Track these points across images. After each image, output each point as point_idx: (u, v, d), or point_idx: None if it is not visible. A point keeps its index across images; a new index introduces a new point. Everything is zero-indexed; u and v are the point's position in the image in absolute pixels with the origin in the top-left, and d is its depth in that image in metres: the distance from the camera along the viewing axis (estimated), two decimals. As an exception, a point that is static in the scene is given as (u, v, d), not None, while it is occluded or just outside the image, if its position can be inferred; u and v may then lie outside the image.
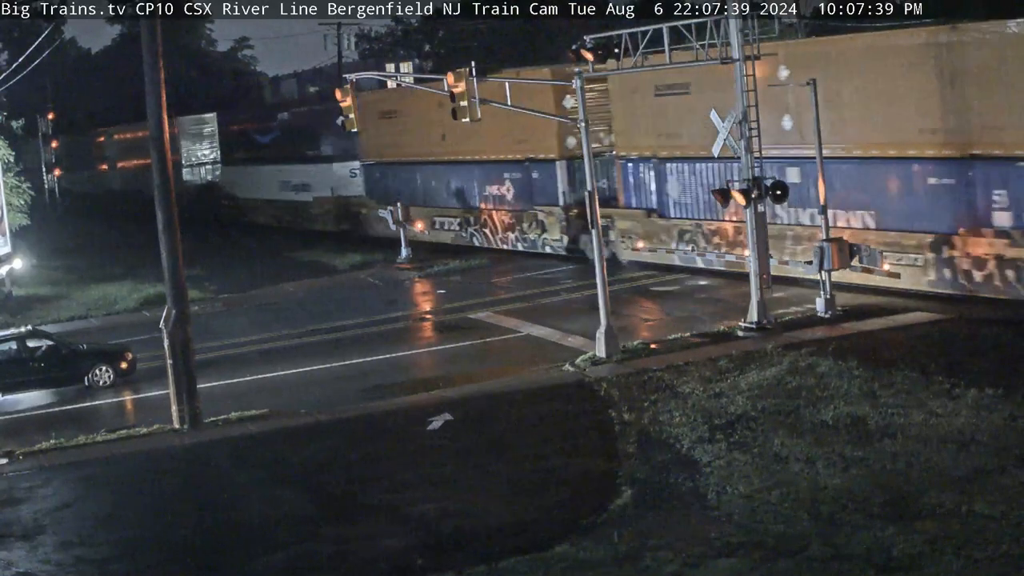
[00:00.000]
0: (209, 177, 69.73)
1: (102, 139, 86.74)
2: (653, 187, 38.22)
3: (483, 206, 46.31)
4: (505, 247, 44.90)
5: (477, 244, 45.43)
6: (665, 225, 37.50)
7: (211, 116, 70.26)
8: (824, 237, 29.86)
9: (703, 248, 35.82)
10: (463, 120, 29.05)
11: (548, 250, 42.57)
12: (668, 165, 37.34)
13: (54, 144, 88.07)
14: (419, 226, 47.35)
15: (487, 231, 45.66)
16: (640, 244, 37.97)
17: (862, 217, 31.78)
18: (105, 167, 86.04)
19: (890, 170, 31.11)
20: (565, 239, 41.53)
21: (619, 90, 37.47)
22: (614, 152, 39.93)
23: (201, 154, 70.82)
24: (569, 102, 29.14)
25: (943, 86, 29.17)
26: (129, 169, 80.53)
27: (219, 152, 70.86)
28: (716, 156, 30.69)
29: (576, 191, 40.76)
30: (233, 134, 69.96)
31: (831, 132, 30.47)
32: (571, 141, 40.49)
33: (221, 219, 62.86)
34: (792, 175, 32.04)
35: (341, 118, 34.21)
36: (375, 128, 50.97)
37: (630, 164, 39.41)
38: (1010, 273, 27.72)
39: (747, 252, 29.50)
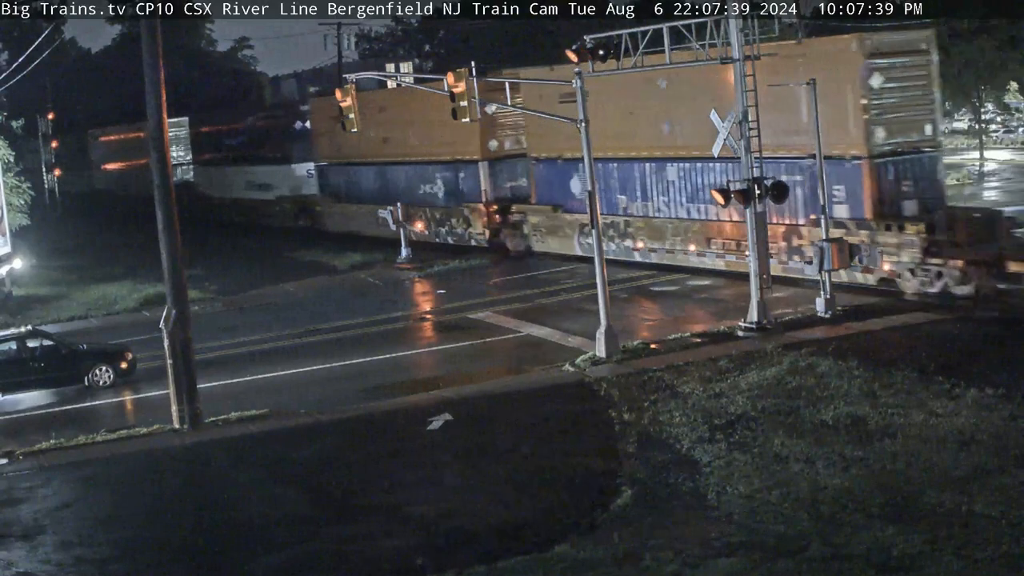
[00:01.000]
0: (183, 177, 72.24)
1: (93, 140, 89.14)
2: (559, 185, 42.10)
3: (418, 204, 49.59)
4: (437, 240, 48.22)
5: (414, 238, 47.96)
6: (569, 219, 41.12)
7: (183, 120, 72.90)
8: (824, 237, 29.86)
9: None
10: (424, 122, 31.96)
11: (473, 243, 46.27)
12: (570, 165, 40.34)
13: (54, 144, 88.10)
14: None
15: (420, 226, 48.83)
16: (549, 237, 41.48)
17: (721, 211, 35.37)
18: (93, 168, 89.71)
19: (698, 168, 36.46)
20: (487, 233, 45.17)
21: (531, 98, 40.46)
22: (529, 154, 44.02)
23: (175, 155, 71.73)
24: (491, 108, 31.78)
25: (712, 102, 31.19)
26: (111, 171, 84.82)
27: (191, 153, 74.28)
28: (716, 156, 30.73)
29: (496, 190, 45.57)
30: (204, 136, 73.24)
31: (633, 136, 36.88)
32: (493, 144, 45.35)
33: (194, 216, 63.33)
34: (671, 174, 37.73)
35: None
36: (328, 132, 54.81)
37: (541, 164, 43.01)
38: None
39: (747, 253, 29.50)
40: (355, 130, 34.92)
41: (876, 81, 31.64)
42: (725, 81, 28.97)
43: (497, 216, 44.43)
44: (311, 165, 59.20)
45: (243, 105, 67.90)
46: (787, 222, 33.38)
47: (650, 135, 37.70)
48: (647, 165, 38.27)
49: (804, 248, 32.46)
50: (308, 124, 59.46)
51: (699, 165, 36.02)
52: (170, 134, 79.37)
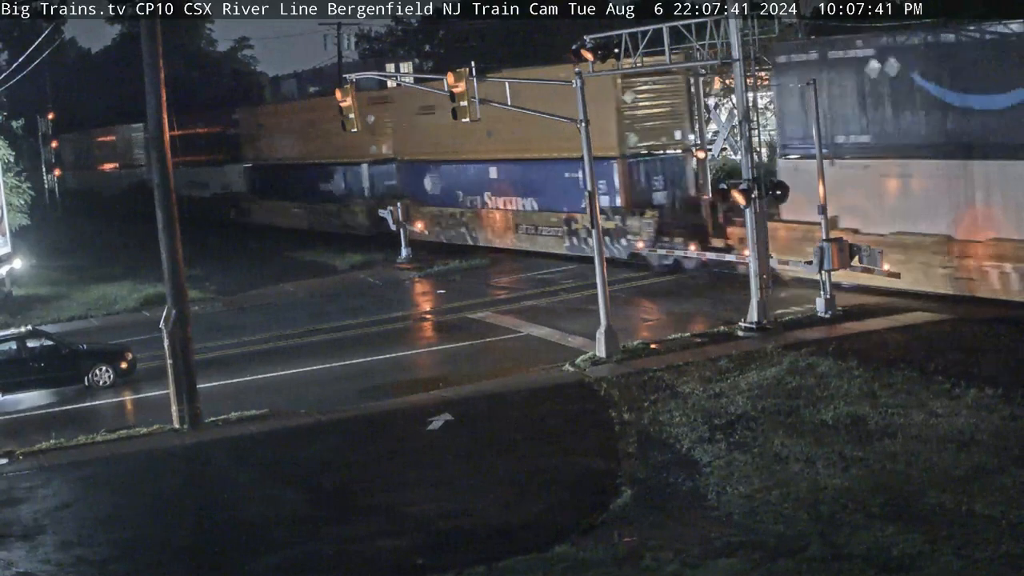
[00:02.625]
0: (143, 176, 77.86)
1: (94, 140, 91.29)
2: (417, 183, 50.53)
3: (321, 199, 58.71)
4: (334, 231, 56.39)
5: (317, 229, 57.03)
6: (424, 211, 49.08)
7: (139, 125, 77.13)
8: (824, 237, 29.86)
9: (446, 228, 48.18)
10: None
11: (361, 232, 54.35)
12: (425, 166, 49.65)
13: (54, 144, 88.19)
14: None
15: (322, 217, 57.99)
16: (418, 225, 48.13)
17: (526, 203, 44.19)
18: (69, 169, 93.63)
19: (547, 167, 42.74)
20: (368, 223, 53.39)
21: (397, 108, 50.26)
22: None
23: (135, 156, 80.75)
24: (371, 118, 41.70)
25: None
26: (83, 172, 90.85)
27: (146, 155, 79.68)
28: (716, 156, 30.74)
29: (375, 189, 54.54)
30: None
31: (516, 140, 42.49)
32: (373, 148, 53.79)
33: (149, 212, 68.10)
34: (492, 173, 45.72)
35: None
36: (254, 137, 65.50)
37: (404, 166, 52.09)
38: (607, 238, 37.68)
39: (747, 252, 29.51)
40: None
41: (628, 97, 38.80)
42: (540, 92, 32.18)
43: (377, 209, 51.18)
44: (242, 166, 67.46)
45: (193, 111, 72.38)
46: (565, 211, 41.59)
47: (479, 140, 43.84)
48: (476, 166, 46.49)
49: (579, 231, 40.86)
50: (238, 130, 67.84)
51: (518, 166, 44.25)
52: (129, 137, 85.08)
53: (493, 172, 46.11)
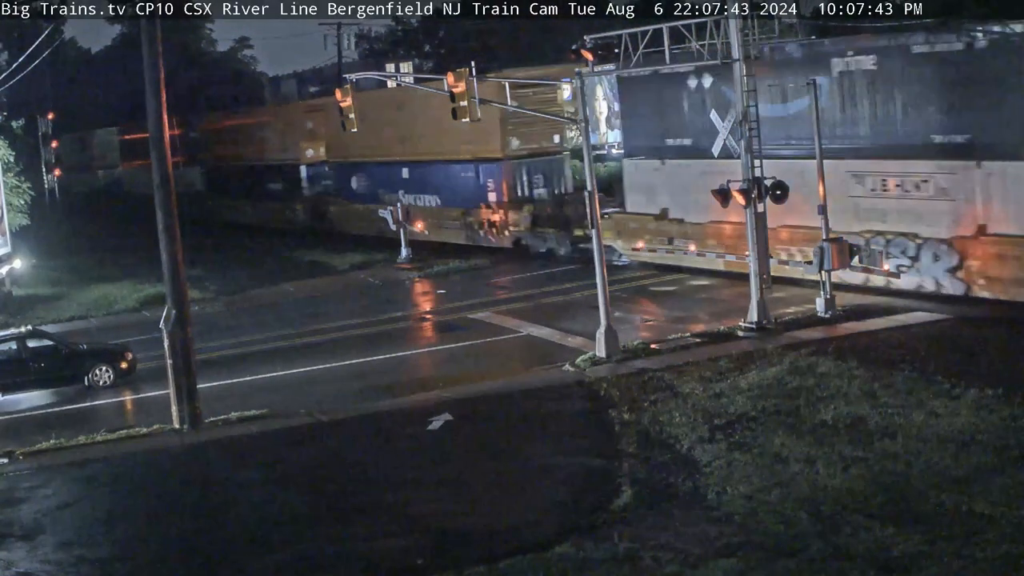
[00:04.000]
0: (115, 177, 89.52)
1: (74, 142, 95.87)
2: (346, 183, 57.28)
3: (267, 198, 65.53)
4: (277, 226, 62.35)
5: (264, 226, 62.81)
6: (351, 208, 56.22)
7: (113, 128, 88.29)
8: (824, 237, 29.86)
9: (372, 223, 52.04)
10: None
11: (299, 227, 60.79)
12: (351, 168, 56.57)
13: (54, 144, 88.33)
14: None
15: (267, 214, 64.64)
16: (343, 222, 55.97)
17: (431, 199, 50.43)
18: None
19: (447, 169, 48.88)
20: (306, 219, 60.96)
21: (330, 115, 51.67)
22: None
23: (109, 159, 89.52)
24: (308, 124, 51.47)
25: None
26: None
27: (119, 157, 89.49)
28: (716, 156, 30.77)
29: (313, 188, 61.02)
30: (127, 142, 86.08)
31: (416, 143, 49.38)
32: (310, 152, 59.83)
33: (123, 210, 76.20)
34: (404, 173, 52.04)
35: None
36: (212, 140, 72.57)
37: (336, 167, 58.56)
38: (492, 229, 45.38)
39: (747, 252, 29.51)
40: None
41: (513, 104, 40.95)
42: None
43: (315, 206, 59.53)
44: (200, 168, 75.12)
45: (175, 112, 74.88)
46: (462, 208, 47.65)
47: (394, 144, 51.18)
48: (393, 167, 52.68)
49: (473, 224, 47.14)
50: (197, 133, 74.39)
51: (425, 167, 50.48)
52: (103, 140, 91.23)
53: (405, 173, 52.23)
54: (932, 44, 27.64)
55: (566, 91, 41.02)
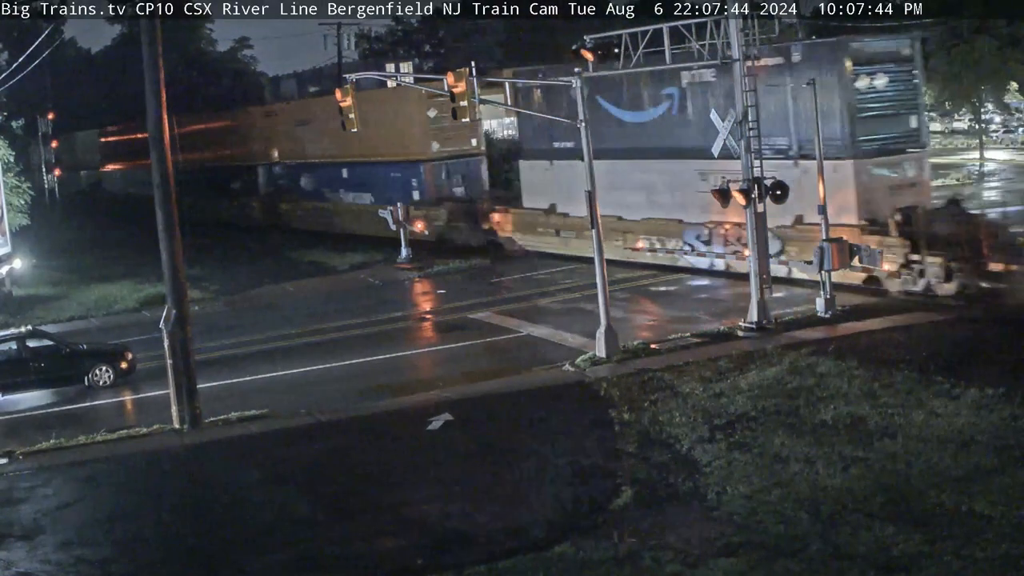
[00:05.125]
0: (95, 177, 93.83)
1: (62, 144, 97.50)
2: (295, 183, 62.21)
3: (228, 196, 68.15)
4: (237, 223, 64.75)
5: (227, 222, 65.25)
6: (304, 205, 60.54)
7: (94, 131, 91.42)
8: (824, 237, 29.87)
9: (317, 218, 58.22)
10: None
11: (255, 224, 63.99)
12: (298, 168, 61.47)
13: (54, 144, 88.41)
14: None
15: (228, 212, 66.99)
16: (296, 221, 59.71)
17: (365, 197, 54.78)
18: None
19: (377, 169, 53.79)
20: (262, 216, 64.36)
21: (282, 120, 62.42)
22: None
23: (89, 160, 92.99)
24: (265, 128, 57.78)
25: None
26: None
27: (98, 159, 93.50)
28: (716, 156, 30.74)
29: (268, 187, 65.00)
30: (106, 144, 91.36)
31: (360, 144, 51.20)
32: (266, 154, 64.54)
33: (102, 210, 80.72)
34: (344, 173, 56.75)
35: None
36: (182, 141, 78.67)
37: (288, 167, 62.97)
38: (422, 223, 47.23)
39: (747, 252, 29.52)
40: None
41: (432, 112, 47.83)
42: (386, 103, 38.93)
43: (270, 204, 63.64)
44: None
45: (138, 120, 77.71)
46: (390, 205, 48.77)
47: (335, 146, 55.06)
48: (335, 168, 57.28)
49: (402, 219, 48.68)
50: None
51: (359, 167, 55.27)
52: (84, 142, 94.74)
53: (345, 173, 57.24)
54: (758, 58, 29.64)
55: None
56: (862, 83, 32.48)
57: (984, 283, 29.45)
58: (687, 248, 36.97)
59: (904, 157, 33.45)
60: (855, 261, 30.46)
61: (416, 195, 50.81)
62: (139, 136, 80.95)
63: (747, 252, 30.14)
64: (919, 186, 33.61)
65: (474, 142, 51.10)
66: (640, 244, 38.72)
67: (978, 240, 29.73)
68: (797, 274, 33.44)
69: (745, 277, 31.25)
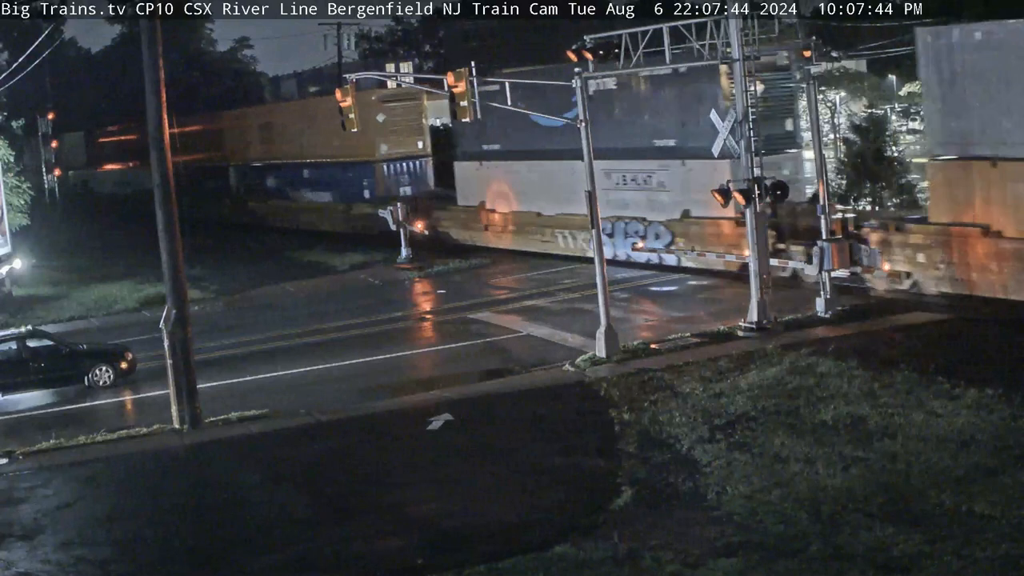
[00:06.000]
0: (82, 177, 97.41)
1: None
2: (257, 184, 67.21)
3: (203, 195, 69.96)
4: (211, 220, 66.53)
5: (201, 220, 67.41)
6: (270, 204, 65.32)
7: (80, 134, 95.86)
8: (824, 237, 29.87)
9: (285, 216, 62.98)
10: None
11: (226, 222, 67.40)
12: (268, 168, 66.04)
13: (54, 144, 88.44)
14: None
15: (202, 210, 67.15)
16: (265, 216, 64.09)
17: (324, 195, 60.18)
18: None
19: (334, 169, 59.18)
20: (232, 213, 68.40)
21: (251, 123, 67.73)
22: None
23: (77, 161, 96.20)
24: (237, 131, 64.13)
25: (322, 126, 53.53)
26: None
27: (86, 159, 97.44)
28: (716, 156, 30.79)
29: (239, 186, 69.77)
30: (94, 146, 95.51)
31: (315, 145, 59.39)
32: (239, 155, 69.20)
33: (90, 208, 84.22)
34: (305, 173, 62.29)
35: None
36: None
37: (256, 168, 67.74)
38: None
39: (747, 252, 29.52)
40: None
41: (381, 116, 54.05)
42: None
43: (240, 202, 68.47)
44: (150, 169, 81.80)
45: (121, 122, 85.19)
46: (344, 203, 57.04)
47: (297, 148, 61.29)
48: (297, 168, 62.38)
49: (353, 217, 55.61)
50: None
51: (319, 168, 60.35)
52: (70, 143, 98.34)
53: (306, 173, 62.36)
54: (652, 69, 33.08)
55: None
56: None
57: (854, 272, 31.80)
58: (629, 243, 40.23)
59: (780, 157, 35.68)
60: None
61: (367, 194, 55.74)
62: (124, 138, 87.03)
63: (642, 244, 37.65)
64: (796, 183, 35.76)
65: (420, 144, 55.75)
66: (555, 238, 42.92)
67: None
68: (685, 262, 37.58)
69: (641, 266, 38.47)
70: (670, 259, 37.81)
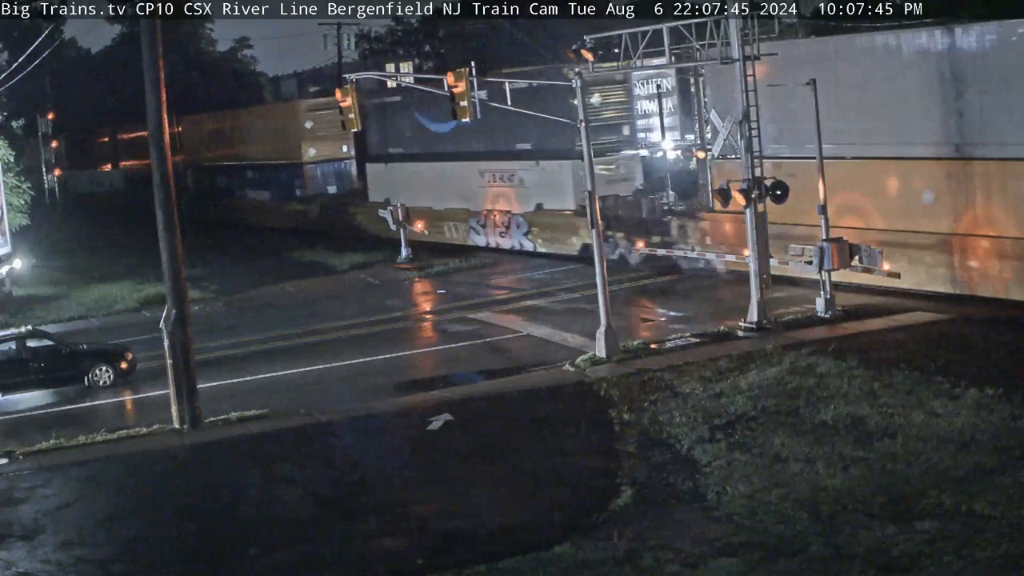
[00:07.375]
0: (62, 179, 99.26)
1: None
2: (226, 185, 72.22)
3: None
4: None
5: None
6: (222, 202, 70.87)
7: (61, 136, 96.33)
8: (824, 237, 29.86)
9: (233, 215, 68.57)
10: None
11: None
12: (218, 170, 72.35)
13: (54, 144, 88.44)
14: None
15: None
16: (217, 214, 68.52)
17: (265, 195, 66.65)
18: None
19: (272, 170, 66.27)
20: (189, 210, 71.44)
21: (202, 128, 73.93)
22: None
23: (57, 162, 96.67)
24: (196, 134, 71.72)
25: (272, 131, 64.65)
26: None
27: (66, 160, 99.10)
28: (717, 156, 30.75)
29: (196, 186, 74.21)
30: (74, 148, 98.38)
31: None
32: (208, 156, 74.05)
33: (71, 207, 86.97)
34: (249, 174, 68.73)
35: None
36: (127, 146, 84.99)
37: (208, 169, 73.64)
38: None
39: (747, 252, 29.52)
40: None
41: (308, 123, 60.21)
42: (275, 116, 47.18)
43: (196, 201, 69.95)
44: (120, 170, 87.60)
45: (106, 124, 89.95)
46: (283, 203, 63.77)
47: (242, 149, 67.75)
48: (242, 169, 68.93)
49: (290, 214, 62.62)
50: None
51: (259, 169, 67.03)
52: (54, 146, 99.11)
53: (249, 174, 68.85)
54: (514, 82, 34.93)
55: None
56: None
57: (656, 251, 37.09)
58: (472, 230, 47.70)
59: (617, 157, 42.07)
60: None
61: (298, 192, 63.22)
62: (99, 140, 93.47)
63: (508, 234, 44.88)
64: (630, 180, 42.48)
65: (345, 148, 62.86)
66: (443, 230, 49.25)
67: (642, 220, 38.66)
68: (540, 248, 44.23)
69: (508, 252, 45.16)
70: (525, 246, 45.12)
